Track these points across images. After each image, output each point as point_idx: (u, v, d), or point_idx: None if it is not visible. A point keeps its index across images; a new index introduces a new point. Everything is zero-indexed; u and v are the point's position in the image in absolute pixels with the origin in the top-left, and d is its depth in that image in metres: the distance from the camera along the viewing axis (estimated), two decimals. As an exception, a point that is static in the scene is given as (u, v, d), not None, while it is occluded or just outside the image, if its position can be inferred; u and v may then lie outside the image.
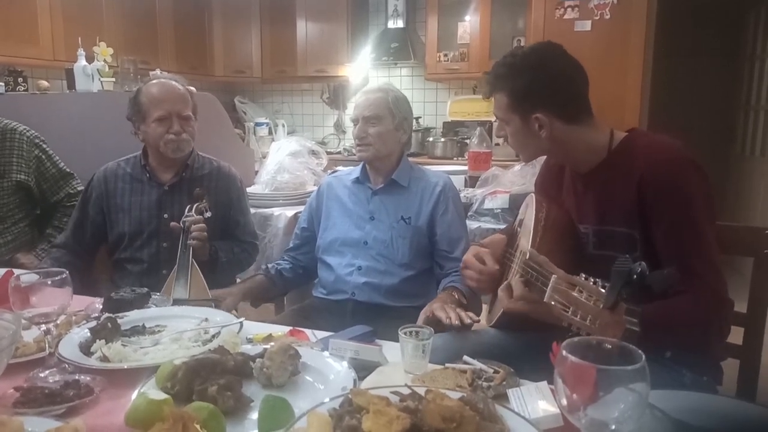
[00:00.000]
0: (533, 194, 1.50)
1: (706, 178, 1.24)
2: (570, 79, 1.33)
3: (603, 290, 0.98)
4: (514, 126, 1.36)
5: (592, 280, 1.02)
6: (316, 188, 2.15)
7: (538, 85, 1.30)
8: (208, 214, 1.87)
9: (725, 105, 4.93)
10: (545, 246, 1.30)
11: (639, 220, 1.25)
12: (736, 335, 1.45)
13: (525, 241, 1.35)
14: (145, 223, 1.98)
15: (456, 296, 1.69)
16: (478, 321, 1.45)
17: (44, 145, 2.22)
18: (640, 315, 1.00)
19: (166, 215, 1.96)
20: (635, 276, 0.91)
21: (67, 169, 2.27)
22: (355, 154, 1.98)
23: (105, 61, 2.87)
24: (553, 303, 1.03)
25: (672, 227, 1.21)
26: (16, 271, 1.30)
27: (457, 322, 1.41)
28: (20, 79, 3.58)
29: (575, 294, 1.01)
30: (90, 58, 2.88)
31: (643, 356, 0.69)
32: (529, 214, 1.43)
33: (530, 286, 1.17)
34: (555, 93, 1.31)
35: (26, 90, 3.55)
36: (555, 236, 1.35)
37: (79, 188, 2.26)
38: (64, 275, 1.15)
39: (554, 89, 1.31)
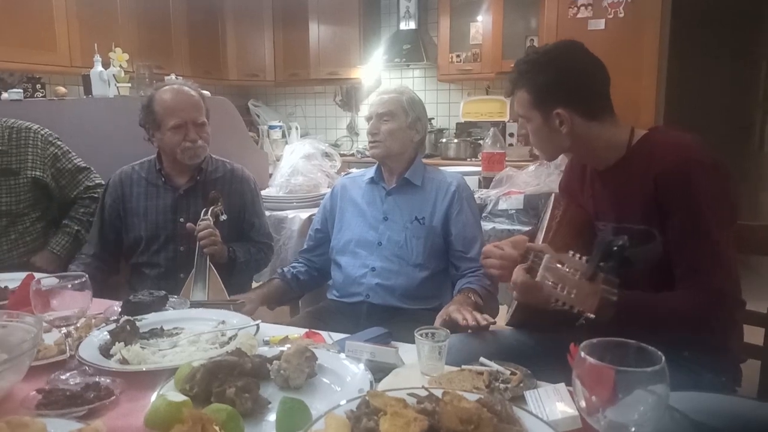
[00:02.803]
0: (553, 194, 1.51)
1: (727, 177, 1.23)
2: (591, 76, 1.33)
3: (584, 263, 1.02)
4: (535, 123, 1.37)
5: (578, 256, 1.06)
6: (329, 190, 2.16)
7: (559, 81, 1.32)
8: (223, 217, 1.89)
9: (741, 104, 4.87)
10: (560, 240, 1.30)
11: (658, 217, 1.24)
12: (756, 336, 1.43)
13: (538, 239, 1.36)
14: (161, 227, 2.00)
15: (472, 298, 1.69)
16: (494, 323, 1.45)
17: (59, 142, 2.25)
18: (618, 285, 1.02)
19: (181, 219, 1.97)
20: (615, 248, 0.92)
21: (83, 164, 2.29)
22: (368, 155, 1.99)
23: (121, 66, 2.90)
24: (545, 281, 1.08)
25: (683, 224, 1.21)
26: (37, 275, 1.32)
27: (473, 323, 1.41)
28: (38, 86, 3.63)
29: (563, 270, 1.06)
30: (106, 64, 2.91)
31: (663, 358, 0.69)
32: (546, 211, 1.43)
33: (533, 272, 1.21)
34: (576, 89, 1.32)
35: (44, 96, 3.60)
36: (572, 232, 1.36)
37: (97, 180, 2.28)
38: (83, 279, 1.16)
39: (575, 85, 1.32)
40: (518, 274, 1.24)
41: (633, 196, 1.29)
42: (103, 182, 2.24)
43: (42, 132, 2.22)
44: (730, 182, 1.24)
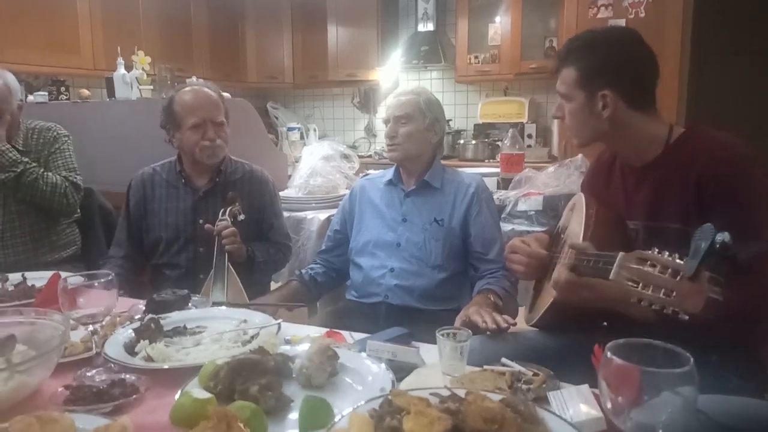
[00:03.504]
0: (581, 194, 1.49)
1: None
2: (644, 64, 1.33)
3: (680, 261, 0.94)
4: (577, 102, 1.35)
5: (667, 253, 0.98)
6: (348, 191, 2.16)
7: (611, 62, 1.31)
8: (241, 217, 1.90)
9: (764, 104, 4.77)
10: (596, 241, 1.28)
11: (697, 216, 1.22)
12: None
13: (575, 236, 1.34)
14: (181, 228, 2.02)
15: (491, 298, 1.68)
16: (515, 324, 1.44)
17: (68, 144, 2.28)
18: (723, 284, 0.94)
19: (201, 220, 1.99)
20: (718, 245, 0.89)
21: (74, 165, 2.29)
22: (385, 157, 1.99)
23: (143, 69, 2.94)
24: (621, 280, 1.01)
25: (733, 223, 1.18)
26: (63, 274, 1.34)
27: (493, 326, 1.41)
28: (63, 89, 3.71)
29: (647, 269, 0.98)
30: (129, 67, 2.96)
31: (692, 359, 0.68)
32: (578, 211, 1.41)
33: (577, 270, 1.18)
34: (626, 74, 1.31)
35: (68, 99, 3.68)
36: (605, 232, 1.33)
37: (79, 182, 2.25)
38: (109, 277, 1.18)
39: (626, 70, 1.31)
40: (562, 271, 1.21)
41: (671, 194, 1.26)
42: (81, 186, 2.26)
43: (59, 131, 2.27)
44: None
